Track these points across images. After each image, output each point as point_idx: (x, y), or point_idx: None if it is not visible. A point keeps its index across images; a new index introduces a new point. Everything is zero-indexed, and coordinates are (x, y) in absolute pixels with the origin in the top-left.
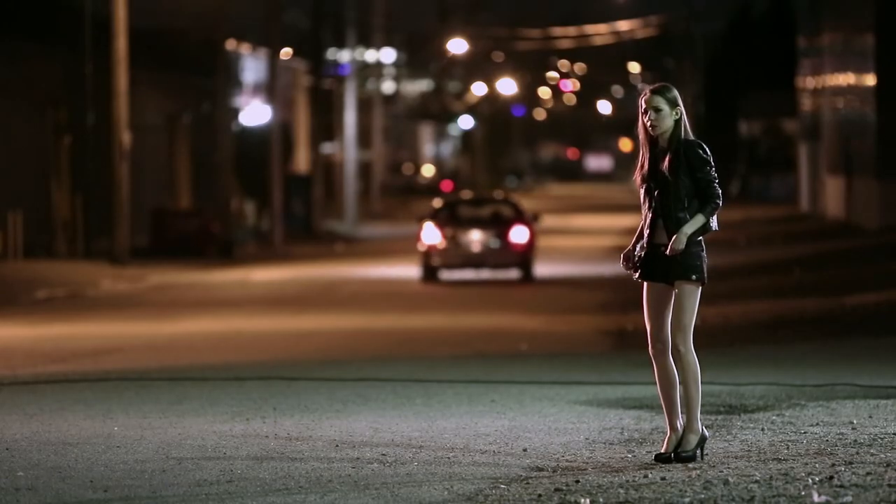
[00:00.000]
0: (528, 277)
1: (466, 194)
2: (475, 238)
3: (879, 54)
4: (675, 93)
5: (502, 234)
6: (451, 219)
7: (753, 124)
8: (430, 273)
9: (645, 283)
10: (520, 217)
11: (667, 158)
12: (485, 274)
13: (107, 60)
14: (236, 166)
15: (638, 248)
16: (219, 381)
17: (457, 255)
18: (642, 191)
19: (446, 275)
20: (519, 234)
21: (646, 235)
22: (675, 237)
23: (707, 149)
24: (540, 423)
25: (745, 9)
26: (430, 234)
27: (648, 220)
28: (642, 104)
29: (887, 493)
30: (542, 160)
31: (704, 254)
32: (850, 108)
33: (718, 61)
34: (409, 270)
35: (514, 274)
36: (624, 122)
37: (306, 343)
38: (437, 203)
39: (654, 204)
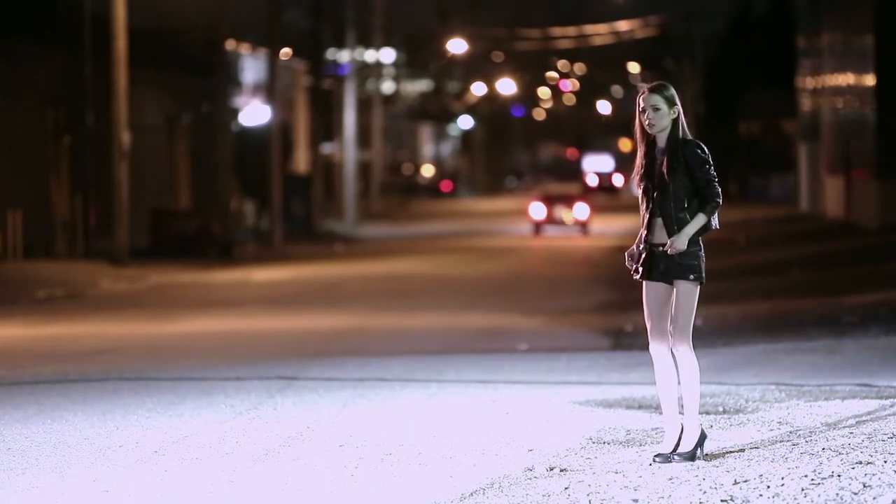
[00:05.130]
0: (586, 233)
1: (554, 189)
2: (558, 212)
3: (879, 54)
4: (673, 91)
5: (572, 209)
6: (546, 201)
7: (753, 124)
8: (536, 231)
9: (644, 283)
10: (583, 200)
11: (665, 158)
12: (559, 231)
13: (107, 60)
14: (236, 166)
15: (639, 248)
16: (219, 380)
17: (549, 220)
18: (640, 191)
19: (548, 231)
20: (582, 210)
21: (644, 235)
22: (675, 237)
23: (705, 148)
24: (540, 423)
25: (745, 9)
26: (536, 210)
27: (647, 220)
28: (640, 103)
29: (887, 493)
30: (542, 160)
31: (702, 253)
32: (849, 108)
33: (718, 61)
34: (411, 269)
35: (577, 232)
36: (624, 122)
37: (306, 343)
38: (537, 195)
39: (652, 204)
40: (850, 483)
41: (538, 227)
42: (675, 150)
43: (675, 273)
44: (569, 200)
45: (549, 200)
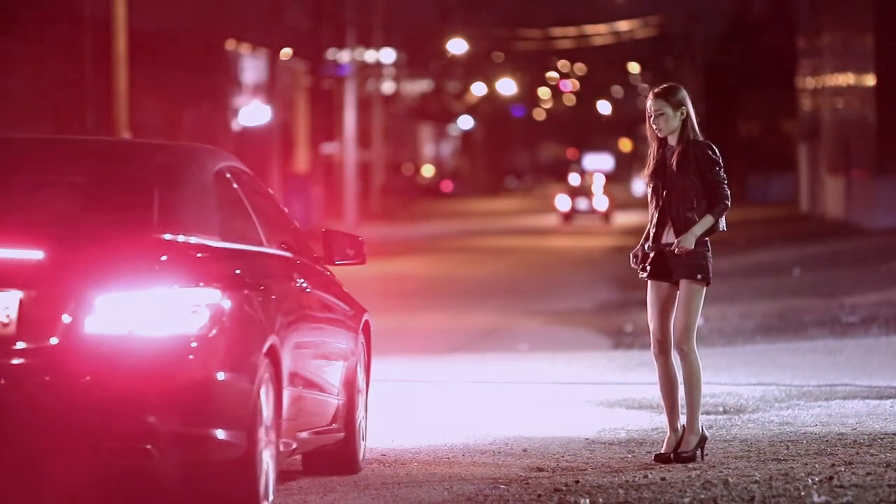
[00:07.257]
0: (608, 222)
1: (577, 185)
2: (581, 204)
3: (879, 54)
4: (682, 93)
5: (594, 201)
6: (571, 194)
7: (753, 124)
8: (564, 220)
9: (649, 283)
10: (604, 192)
11: (675, 158)
12: (584, 221)
13: (106, 61)
14: None
15: (646, 248)
16: None
17: (573, 210)
18: (650, 190)
19: (577, 220)
20: (602, 202)
21: (652, 235)
22: (683, 237)
23: (716, 149)
24: (539, 423)
25: (745, 9)
26: (562, 202)
27: (655, 220)
28: (648, 107)
29: (887, 494)
30: (542, 160)
31: (710, 254)
32: (850, 108)
33: (718, 61)
34: (410, 269)
35: (599, 221)
36: (624, 122)
37: None
38: (562, 189)
39: (661, 203)
40: (851, 483)
41: (566, 217)
42: (685, 151)
43: (682, 272)
44: (590, 194)
45: (573, 193)
